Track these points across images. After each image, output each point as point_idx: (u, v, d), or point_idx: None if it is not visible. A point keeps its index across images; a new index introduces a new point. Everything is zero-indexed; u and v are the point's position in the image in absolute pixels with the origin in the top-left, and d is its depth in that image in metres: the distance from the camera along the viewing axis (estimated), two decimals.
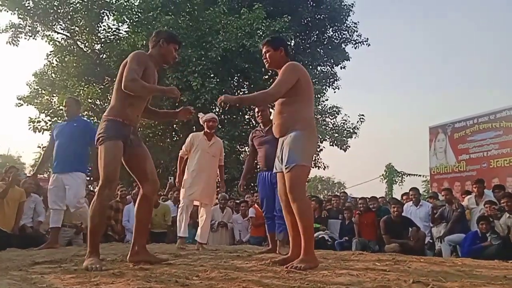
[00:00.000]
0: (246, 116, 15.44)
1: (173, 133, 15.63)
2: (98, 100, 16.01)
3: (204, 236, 5.32)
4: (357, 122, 16.64)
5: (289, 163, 3.13)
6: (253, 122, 15.73)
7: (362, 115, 16.66)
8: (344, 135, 16.42)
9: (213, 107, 14.69)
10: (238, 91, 15.28)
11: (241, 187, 5.29)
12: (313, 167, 16.85)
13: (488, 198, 6.79)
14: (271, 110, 4.91)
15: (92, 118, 15.47)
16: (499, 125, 9.86)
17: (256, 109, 5.08)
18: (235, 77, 15.03)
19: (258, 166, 5.15)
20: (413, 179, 26.12)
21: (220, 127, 14.28)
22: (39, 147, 15.71)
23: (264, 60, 3.56)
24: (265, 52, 3.51)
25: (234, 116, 14.46)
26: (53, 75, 16.93)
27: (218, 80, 13.42)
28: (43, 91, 16.49)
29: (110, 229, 7.30)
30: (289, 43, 15.30)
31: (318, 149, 16.46)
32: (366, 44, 16.32)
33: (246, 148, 16.28)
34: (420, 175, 25.30)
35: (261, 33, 13.11)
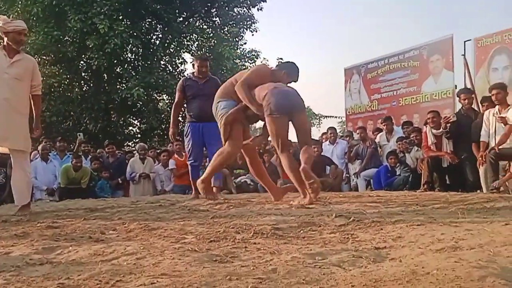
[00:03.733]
0: (162, 62, 14.70)
1: (82, 82, 14.47)
2: None
3: (18, 198, 3.85)
4: (276, 66, 16.62)
5: None
6: (170, 68, 15.05)
7: (281, 58, 16.63)
8: None
9: (125, 53, 13.74)
10: (151, 35, 14.37)
11: (173, 136, 4.98)
12: None
13: (398, 134, 7.24)
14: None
15: None
16: (407, 64, 10.32)
17: (200, 61, 4.87)
18: (147, 20, 14.04)
19: (187, 116, 4.90)
20: (329, 121, 27.35)
21: (134, 74, 13.48)
22: None
23: None
24: None
25: (149, 62, 13.68)
26: None
27: (128, 23, 12.44)
28: None
29: None
30: None
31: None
32: None
33: (164, 96, 15.62)
34: (336, 117, 26.57)
35: None
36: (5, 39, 3.78)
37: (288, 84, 3.92)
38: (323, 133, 8.81)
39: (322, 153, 7.20)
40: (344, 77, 12.15)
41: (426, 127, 6.02)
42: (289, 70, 3.99)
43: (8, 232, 2.45)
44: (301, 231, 2.11)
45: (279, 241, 1.80)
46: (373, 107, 11.19)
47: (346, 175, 7.53)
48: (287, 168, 3.75)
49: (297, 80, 4.03)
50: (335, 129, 8.36)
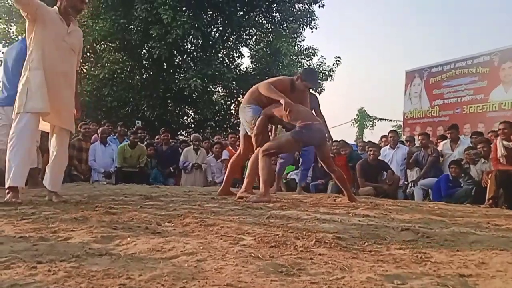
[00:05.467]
0: (220, 55, 14.82)
1: (143, 70, 14.89)
2: None
3: (56, 182, 3.43)
4: (333, 64, 16.29)
5: None
6: (227, 61, 15.13)
7: (339, 57, 16.29)
8: (319, 77, 16.08)
9: (185, 43, 13.97)
10: (212, 27, 14.50)
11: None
12: None
13: (463, 144, 6.80)
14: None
15: None
16: (475, 70, 9.75)
17: None
18: (209, 12, 14.19)
19: None
20: (384, 124, 26.46)
21: (192, 65, 13.67)
22: None
23: None
24: None
25: (207, 54, 13.82)
26: (9, 1, 15.53)
27: (190, 14, 12.62)
28: None
29: (73, 169, 6.96)
30: None
31: None
32: None
33: (219, 88, 15.77)
34: (391, 120, 25.66)
35: None
36: (63, 2, 3.29)
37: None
38: (383, 136, 8.42)
39: (379, 157, 6.90)
40: (404, 80, 11.67)
41: (497, 138, 5.60)
42: (307, 79, 4.27)
43: (68, 214, 2.48)
44: (366, 244, 1.96)
45: (345, 253, 1.66)
46: (433, 113, 10.67)
47: (405, 182, 7.17)
48: (260, 168, 3.99)
49: (314, 87, 4.42)
50: (396, 132, 7.97)
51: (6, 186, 3.07)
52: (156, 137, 9.39)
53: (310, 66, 16.25)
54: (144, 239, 1.76)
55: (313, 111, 5.26)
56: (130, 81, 14.34)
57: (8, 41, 14.32)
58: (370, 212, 3.31)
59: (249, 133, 4.23)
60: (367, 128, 27.93)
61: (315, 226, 2.41)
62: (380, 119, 27.40)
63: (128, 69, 14.45)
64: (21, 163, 3.09)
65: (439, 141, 7.64)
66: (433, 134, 9.88)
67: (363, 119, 27.86)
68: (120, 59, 13.74)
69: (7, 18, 15.01)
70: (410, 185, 7.01)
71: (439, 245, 1.99)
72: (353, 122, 27.65)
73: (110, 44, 13.50)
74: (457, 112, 10.20)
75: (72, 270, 1.21)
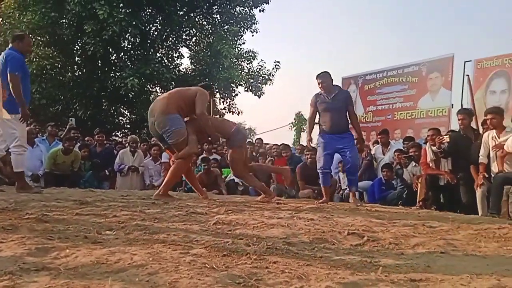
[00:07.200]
0: (158, 54, 14.45)
1: (75, 67, 14.12)
2: None
3: None
4: (273, 68, 16.51)
5: None
6: (166, 61, 14.79)
7: (278, 62, 16.56)
8: (259, 81, 16.21)
9: (122, 41, 13.46)
10: (150, 25, 14.10)
11: (309, 142, 5.74)
12: (227, 112, 16.54)
13: (393, 148, 7.14)
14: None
15: None
16: (405, 79, 10.31)
17: (317, 79, 5.28)
18: (147, 10, 13.79)
19: (319, 128, 5.43)
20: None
21: (129, 63, 13.21)
22: None
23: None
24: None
25: (145, 53, 13.41)
26: None
27: (128, 11, 12.17)
28: None
29: None
30: None
31: (234, 94, 16.13)
32: None
33: (157, 88, 15.37)
34: None
35: None
36: None
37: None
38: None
39: None
40: (341, 86, 12.09)
41: (426, 144, 5.94)
42: (211, 91, 4.96)
43: None
44: (316, 249, 1.97)
45: (298, 261, 1.65)
46: (367, 119, 11.14)
47: (339, 184, 7.40)
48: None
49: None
50: None
51: None
52: (86, 138, 8.87)
53: (250, 70, 16.40)
54: (85, 251, 1.62)
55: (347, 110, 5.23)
56: (61, 78, 13.51)
57: None
58: (314, 216, 3.35)
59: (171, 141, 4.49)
60: (304, 131, 28.69)
61: (264, 231, 2.38)
62: (317, 123, 28.17)
63: (59, 66, 13.60)
64: None
65: (374, 145, 7.98)
66: (367, 138, 10.30)
67: (300, 123, 28.53)
68: (50, 55, 12.89)
69: None
70: (344, 187, 7.24)
71: (384, 249, 2.04)
72: (291, 126, 28.22)
73: (39, 38, 12.65)
74: (389, 118, 10.70)
75: None
